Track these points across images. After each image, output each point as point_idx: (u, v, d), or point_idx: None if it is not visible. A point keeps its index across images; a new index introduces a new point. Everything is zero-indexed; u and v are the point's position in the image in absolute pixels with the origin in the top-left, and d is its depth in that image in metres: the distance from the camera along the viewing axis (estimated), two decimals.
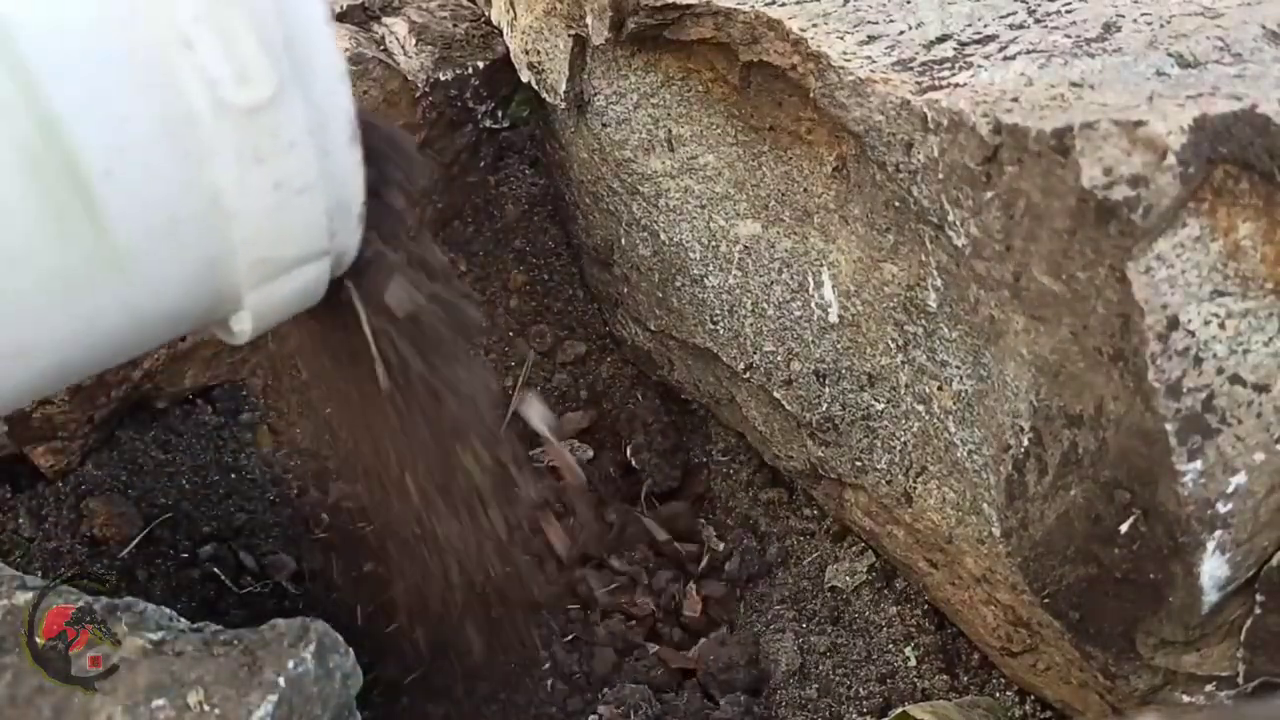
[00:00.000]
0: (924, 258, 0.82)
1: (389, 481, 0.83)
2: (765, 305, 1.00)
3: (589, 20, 0.99)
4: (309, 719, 0.66)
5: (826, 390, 0.97)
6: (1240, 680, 0.74)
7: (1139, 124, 0.64)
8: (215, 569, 1.02)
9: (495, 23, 1.17)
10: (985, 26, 0.81)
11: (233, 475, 1.10)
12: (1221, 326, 0.66)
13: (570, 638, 1.03)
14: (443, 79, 1.12)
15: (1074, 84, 0.71)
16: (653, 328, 1.15)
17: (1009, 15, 0.81)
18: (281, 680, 0.65)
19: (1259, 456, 0.67)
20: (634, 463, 1.17)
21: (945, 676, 0.97)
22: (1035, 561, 0.79)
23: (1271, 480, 0.68)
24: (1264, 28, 0.75)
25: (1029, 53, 0.76)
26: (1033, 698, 0.95)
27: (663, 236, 1.07)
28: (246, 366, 1.14)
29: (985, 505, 0.83)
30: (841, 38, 0.82)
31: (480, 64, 1.15)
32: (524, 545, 0.92)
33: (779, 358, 1.01)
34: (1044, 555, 0.78)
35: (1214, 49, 0.73)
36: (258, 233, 0.57)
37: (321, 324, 0.73)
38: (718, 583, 1.09)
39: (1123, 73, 0.72)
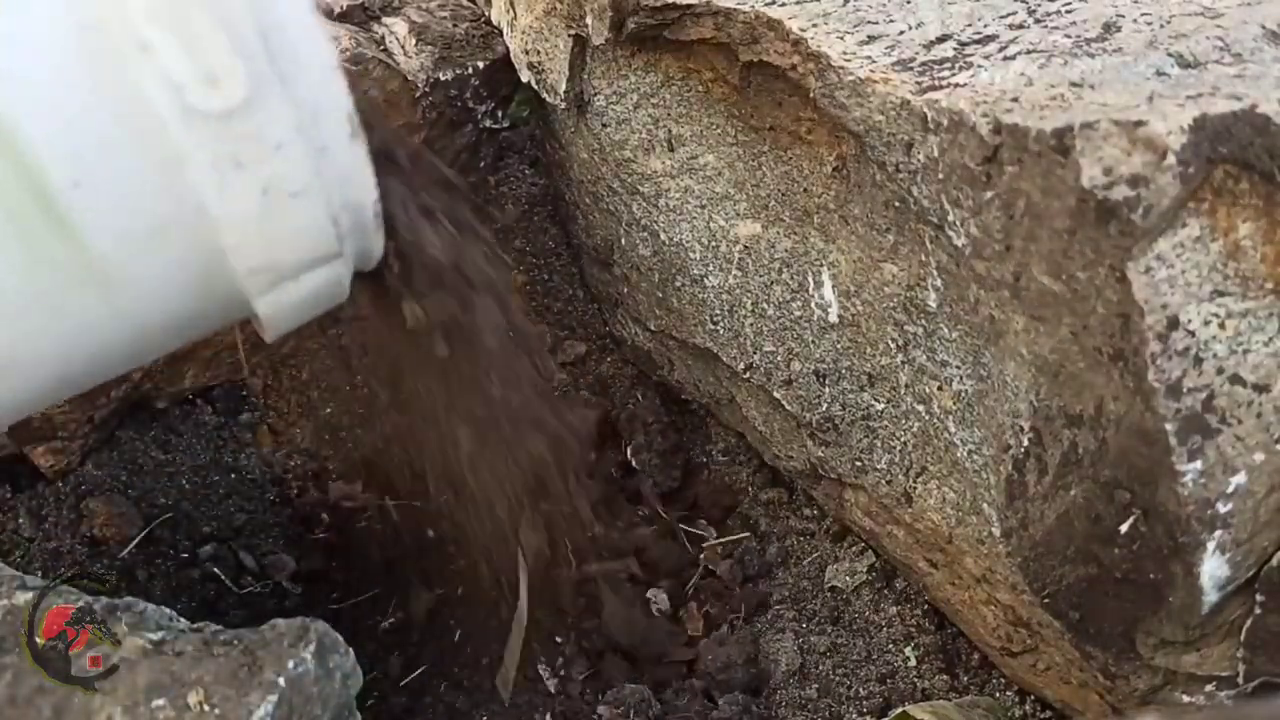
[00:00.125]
0: (924, 258, 0.82)
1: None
2: (765, 305, 1.00)
3: (589, 20, 0.99)
4: (309, 719, 0.66)
5: (826, 390, 0.97)
6: (1240, 680, 0.74)
7: (1139, 124, 0.64)
8: (215, 569, 1.02)
9: (495, 23, 1.17)
10: (985, 26, 0.81)
11: (233, 475, 1.10)
12: (1221, 326, 0.66)
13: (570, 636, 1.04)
14: (443, 79, 1.12)
15: (1074, 84, 0.71)
16: (653, 328, 1.15)
17: (1009, 15, 0.81)
18: (281, 680, 0.65)
19: (1259, 456, 0.67)
20: (634, 463, 1.17)
21: (945, 676, 0.97)
22: (1035, 561, 0.79)
23: (1271, 480, 0.68)
24: (1264, 28, 0.75)
25: (1029, 53, 0.76)
26: (1033, 698, 0.95)
27: (663, 236, 1.07)
28: (246, 366, 1.14)
29: (985, 505, 0.83)
30: (841, 38, 0.82)
31: (480, 64, 1.15)
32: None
33: (779, 358, 1.01)
34: (1044, 555, 0.78)
35: (1214, 49, 0.73)
36: (248, 240, 0.54)
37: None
38: (717, 582, 1.09)
39: (1123, 73, 0.72)
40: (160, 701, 0.63)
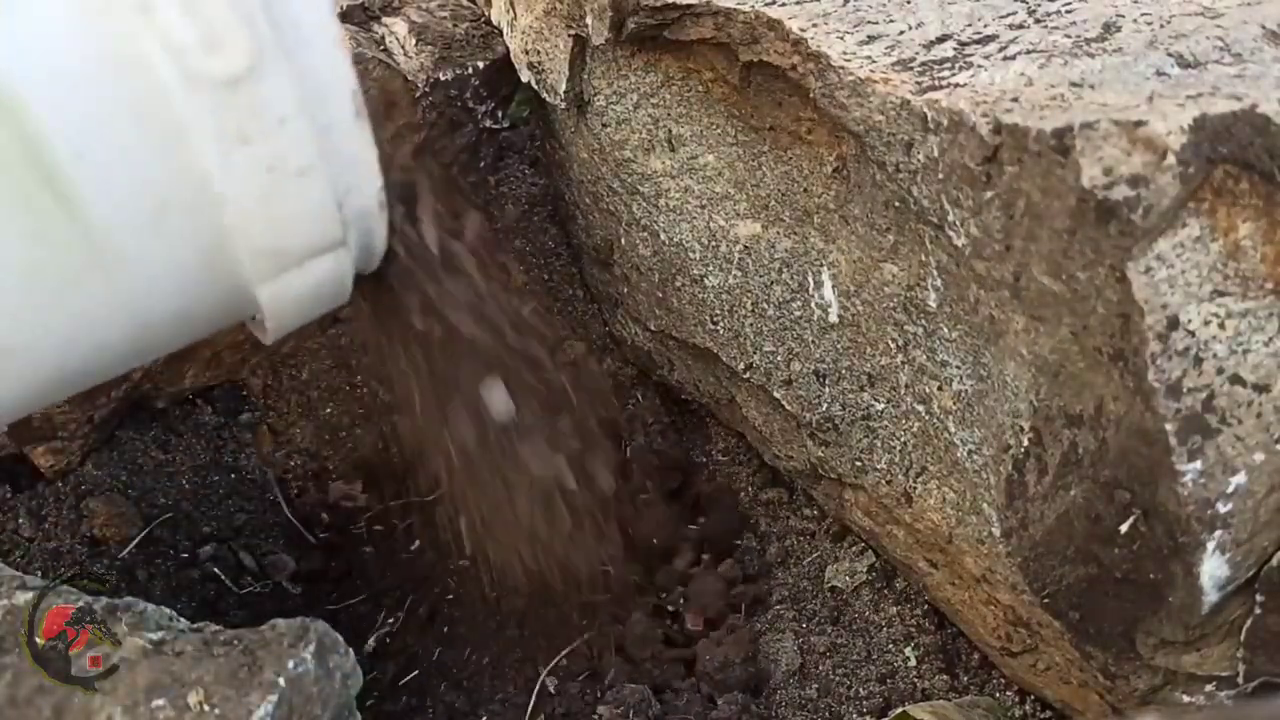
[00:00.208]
0: (924, 258, 0.82)
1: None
2: (765, 305, 1.00)
3: (589, 20, 0.99)
4: (309, 719, 0.66)
5: (826, 390, 0.97)
6: (1240, 680, 0.74)
7: (1139, 124, 0.64)
8: (215, 569, 1.02)
9: (495, 23, 1.17)
10: (985, 26, 0.81)
11: (233, 475, 1.10)
12: (1221, 326, 0.66)
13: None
14: (443, 79, 1.12)
15: (1074, 84, 0.71)
16: (653, 328, 1.15)
17: (1009, 15, 0.81)
18: (281, 680, 0.65)
19: (1259, 456, 0.67)
20: (633, 463, 1.17)
21: (945, 676, 0.97)
22: (1035, 561, 0.79)
23: (1271, 480, 0.68)
24: (1264, 28, 0.75)
25: (1029, 53, 0.76)
26: (1033, 698, 0.95)
27: (663, 236, 1.07)
28: (246, 366, 1.14)
29: (985, 505, 0.83)
30: (841, 38, 0.82)
31: (480, 64, 1.15)
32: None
33: (779, 358, 1.01)
34: (1044, 555, 0.78)
35: (1214, 49, 0.73)
36: (252, 220, 0.52)
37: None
38: (717, 582, 1.09)
39: (1123, 73, 0.72)
40: (160, 701, 0.63)
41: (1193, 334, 0.66)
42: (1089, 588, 0.76)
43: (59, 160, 0.47)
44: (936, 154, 0.74)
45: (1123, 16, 0.78)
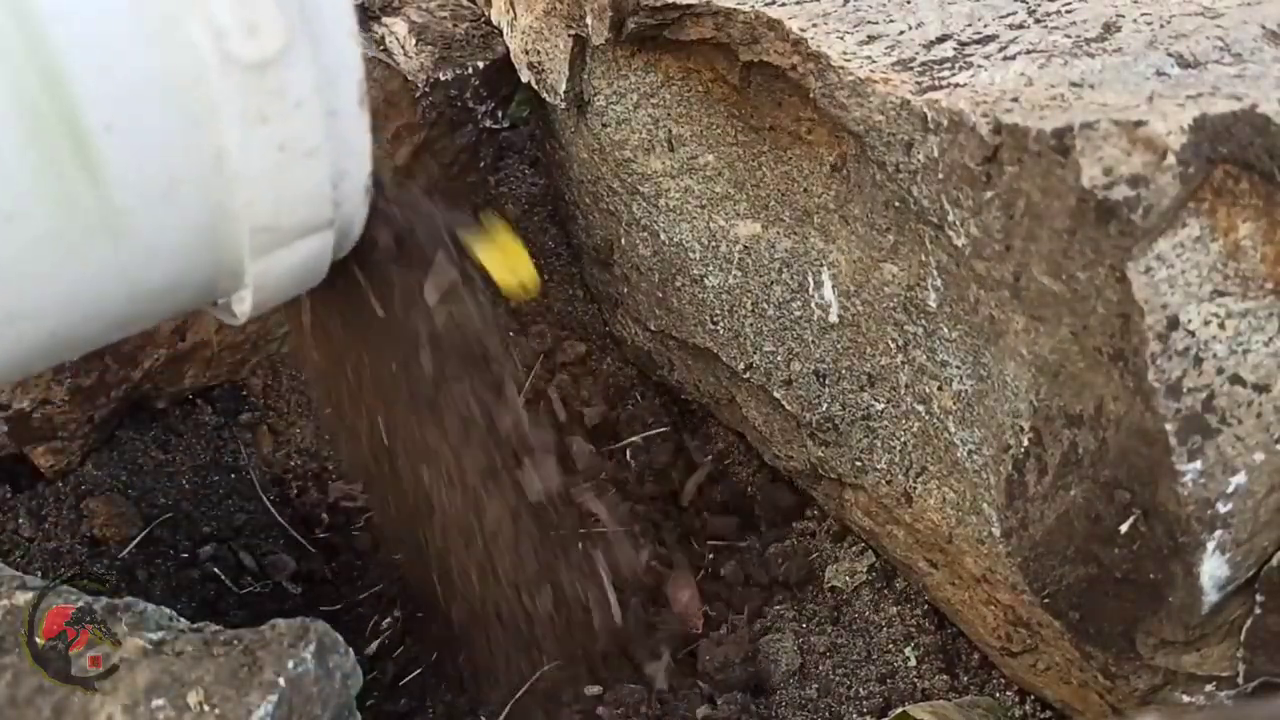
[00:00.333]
0: (924, 258, 0.82)
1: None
2: (765, 305, 1.00)
3: (589, 20, 0.99)
4: (309, 719, 0.66)
5: (826, 390, 0.97)
6: (1240, 680, 0.74)
7: (1139, 124, 0.64)
8: (215, 569, 1.02)
9: (495, 23, 1.17)
10: (985, 26, 0.81)
11: (233, 475, 1.10)
12: (1221, 326, 0.66)
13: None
14: (443, 79, 1.12)
15: (1074, 84, 0.71)
16: (653, 328, 1.15)
17: (1009, 15, 0.81)
18: (281, 680, 0.65)
19: (1259, 456, 0.67)
20: (634, 463, 1.17)
21: (945, 676, 0.97)
22: (1035, 561, 0.79)
23: (1271, 480, 0.68)
24: (1264, 28, 0.75)
25: (1029, 53, 0.76)
26: (1033, 698, 0.95)
27: (663, 236, 1.07)
28: (246, 367, 1.15)
29: (985, 505, 0.83)
30: (841, 38, 0.82)
31: (480, 64, 1.15)
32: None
33: (779, 358, 1.01)
34: (1044, 555, 0.78)
35: (1214, 49, 0.73)
36: (260, 197, 0.54)
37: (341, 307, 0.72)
38: (717, 582, 1.09)
39: (1123, 73, 0.72)
40: (160, 701, 0.63)
41: (1193, 334, 0.66)
42: (1089, 588, 0.76)
43: (90, 129, 0.48)
44: (936, 154, 0.74)
45: (1123, 16, 0.78)
